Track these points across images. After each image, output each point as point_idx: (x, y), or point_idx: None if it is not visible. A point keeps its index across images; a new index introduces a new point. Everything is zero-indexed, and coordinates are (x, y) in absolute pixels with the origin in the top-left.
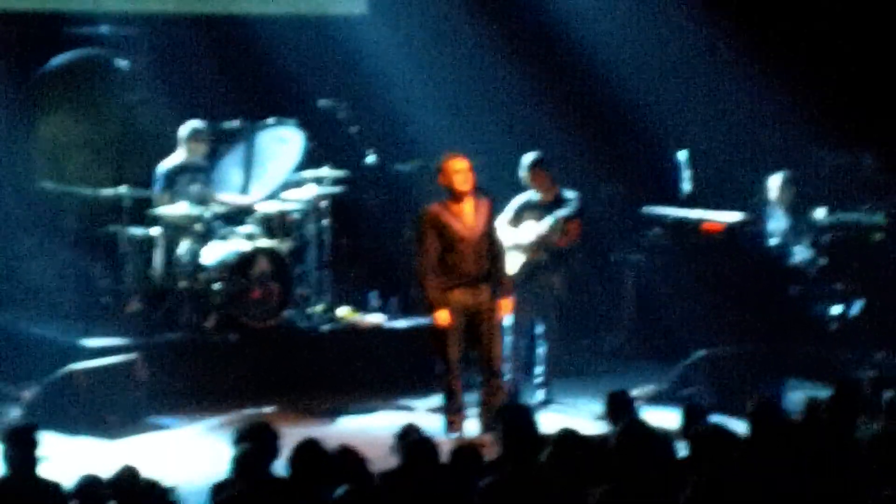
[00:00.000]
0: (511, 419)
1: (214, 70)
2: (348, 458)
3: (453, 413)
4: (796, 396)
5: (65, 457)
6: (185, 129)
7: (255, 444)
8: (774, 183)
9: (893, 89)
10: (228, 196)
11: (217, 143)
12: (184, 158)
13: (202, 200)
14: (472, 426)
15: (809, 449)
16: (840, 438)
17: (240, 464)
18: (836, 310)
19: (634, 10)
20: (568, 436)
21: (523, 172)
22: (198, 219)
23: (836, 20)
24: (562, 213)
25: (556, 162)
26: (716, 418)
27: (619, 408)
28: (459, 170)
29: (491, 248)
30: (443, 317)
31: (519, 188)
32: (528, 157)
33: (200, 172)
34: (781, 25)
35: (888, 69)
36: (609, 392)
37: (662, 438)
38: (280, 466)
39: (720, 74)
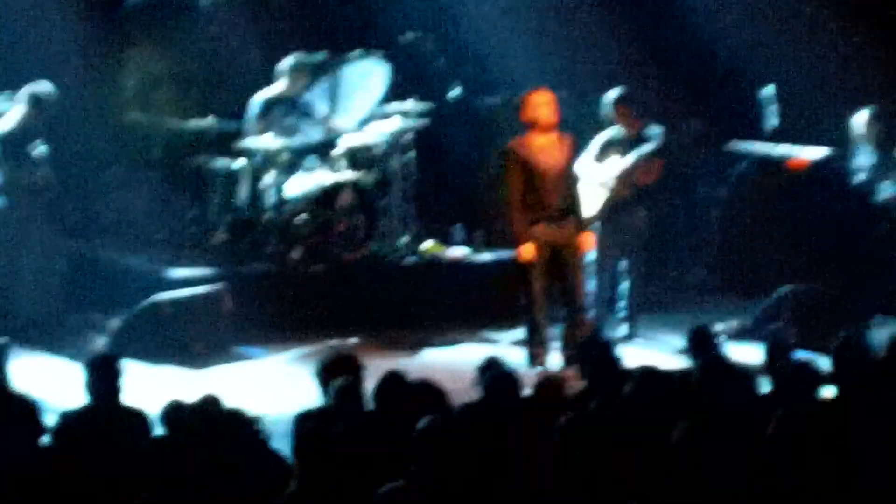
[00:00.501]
0: (594, 354)
1: (299, 3)
2: (429, 391)
3: (536, 346)
4: (882, 334)
5: (150, 386)
6: (287, 61)
7: (346, 377)
8: (861, 119)
9: None
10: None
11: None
12: (282, 90)
13: (293, 134)
14: (555, 360)
15: (894, 386)
16: None
17: (340, 395)
18: None
19: None
20: (650, 371)
21: (606, 108)
22: (283, 151)
23: None
24: (645, 149)
25: (640, 98)
26: (800, 354)
27: (702, 343)
28: (545, 102)
29: (573, 184)
30: (528, 251)
31: (602, 124)
32: (611, 93)
33: (296, 106)
34: None
35: None
36: (691, 327)
37: (744, 374)
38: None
39: (806, 7)
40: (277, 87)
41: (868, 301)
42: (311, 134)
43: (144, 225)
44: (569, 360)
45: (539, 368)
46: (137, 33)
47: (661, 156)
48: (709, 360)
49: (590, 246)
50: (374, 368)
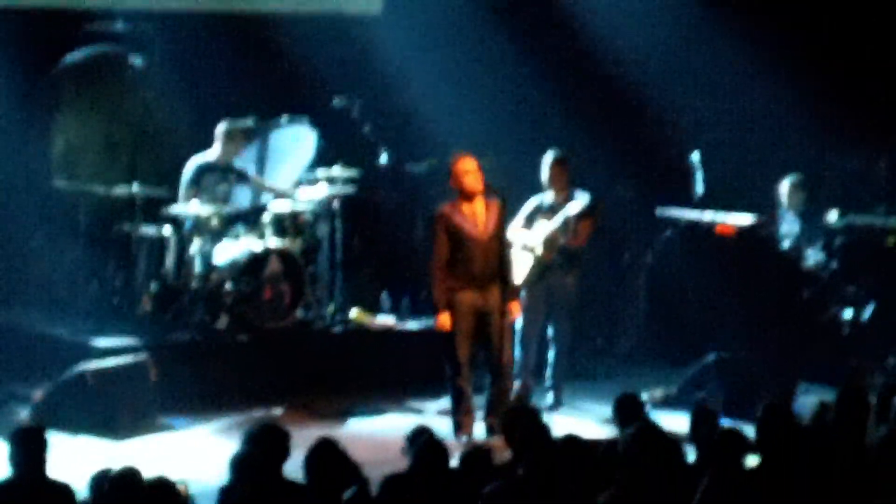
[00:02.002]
0: (521, 422)
1: (229, 68)
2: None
3: (462, 415)
4: (807, 401)
5: (75, 458)
6: (221, 127)
7: (260, 447)
8: (785, 187)
9: None
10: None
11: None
12: (216, 156)
13: (224, 201)
14: (481, 428)
15: (818, 454)
16: (849, 443)
17: (241, 466)
18: (847, 314)
19: (651, 11)
20: (576, 440)
21: (544, 169)
22: (211, 218)
23: (852, 25)
24: (571, 211)
25: (572, 160)
26: (726, 422)
27: (629, 411)
28: (469, 170)
29: (501, 250)
30: (444, 320)
31: (533, 188)
32: (549, 155)
33: (232, 174)
34: (798, 29)
35: None
36: (618, 395)
37: (672, 442)
38: (291, 467)
39: (736, 76)
40: (212, 153)
41: (794, 368)
42: (239, 200)
43: (70, 293)
44: (494, 429)
45: (465, 437)
46: (66, 96)
47: (587, 220)
48: (636, 428)
49: (517, 313)
50: (301, 437)
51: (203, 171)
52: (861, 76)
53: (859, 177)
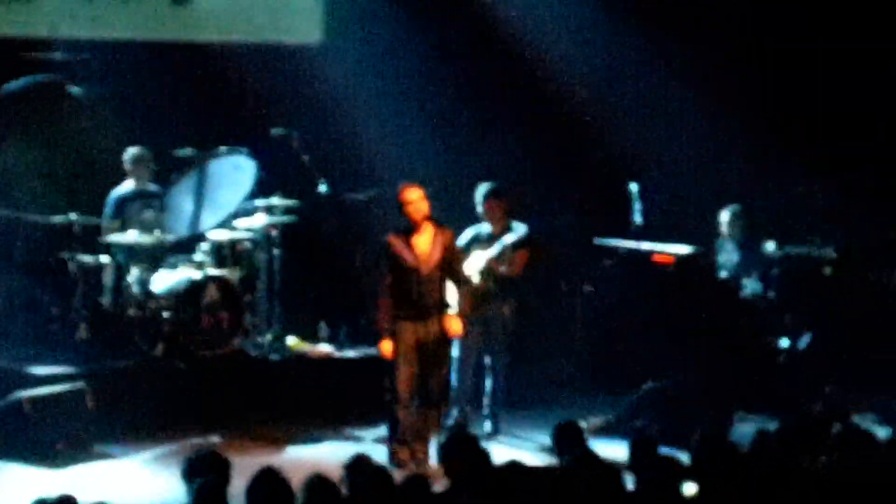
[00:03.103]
0: (460, 450)
1: (168, 97)
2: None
3: (397, 443)
4: (744, 429)
5: (10, 486)
6: (127, 155)
7: (205, 475)
8: (724, 217)
9: (844, 125)
10: None
11: (169, 171)
12: (133, 185)
13: (154, 228)
14: (418, 457)
15: (756, 482)
16: (788, 472)
17: (200, 497)
18: (784, 343)
19: (590, 42)
20: (516, 467)
21: (479, 201)
22: (148, 246)
23: (790, 57)
24: (507, 240)
25: (509, 192)
26: (664, 450)
27: (568, 439)
28: (413, 200)
29: (452, 277)
30: (386, 348)
31: (472, 217)
32: (483, 187)
33: (155, 199)
34: (737, 61)
35: (839, 106)
36: (557, 423)
37: (611, 470)
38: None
39: (674, 107)
40: (128, 183)
41: (731, 397)
42: (177, 229)
43: (6, 320)
44: (422, 457)
45: (399, 466)
46: (3, 125)
47: (524, 249)
48: (575, 456)
49: (458, 329)
50: (239, 466)
51: (122, 201)
52: (799, 107)
53: (796, 207)
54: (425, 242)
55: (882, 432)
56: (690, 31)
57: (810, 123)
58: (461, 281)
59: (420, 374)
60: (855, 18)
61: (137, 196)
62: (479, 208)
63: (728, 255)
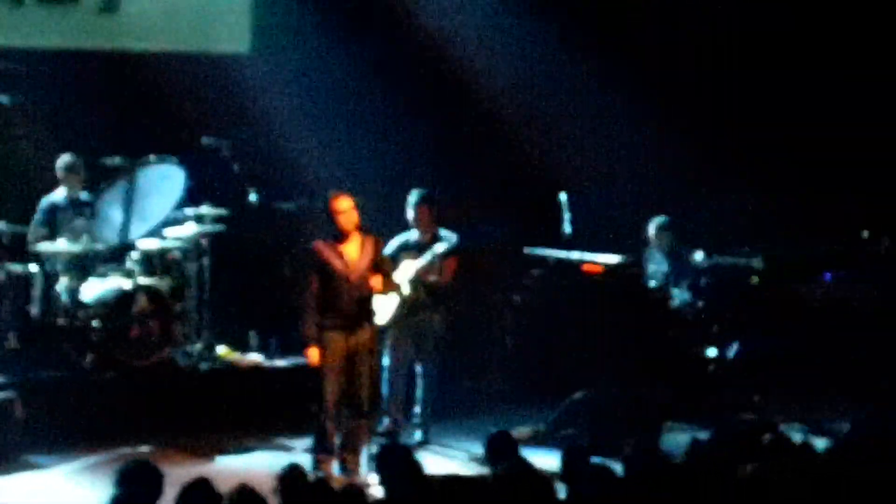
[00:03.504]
0: (393, 460)
1: (97, 106)
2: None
3: (322, 453)
4: (676, 438)
5: None
6: (59, 163)
7: (137, 485)
8: (651, 227)
9: (771, 137)
10: None
11: (98, 180)
12: (64, 193)
13: (84, 236)
14: (352, 466)
15: (690, 491)
16: (721, 480)
17: None
18: (712, 352)
19: (520, 52)
20: (451, 478)
21: (409, 208)
22: (78, 255)
23: (719, 67)
24: (438, 249)
25: (440, 200)
26: (595, 460)
27: (501, 449)
28: (344, 209)
29: (380, 286)
30: (314, 355)
31: (402, 226)
32: (414, 194)
33: (86, 207)
34: (666, 72)
35: (766, 116)
36: (490, 433)
37: (544, 480)
38: None
39: (604, 117)
40: (59, 191)
41: (660, 406)
42: (107, 238)
43: None
44: (348, 466)
45: (322, 475)
46: None
47: (453, 258)
48: (509, 465)
49: (384, 287)
50: (170, 476)
51: (53, 209)
52: (726, 118)
53: (725, 217)
54: (353, 251)
55: (807, 441)
56: (620, 42)
57: (739, 134)
58: (389, 290)
59: (349, 383)
60: (783, 30)
61: (69, 204)
62: (410, 215)
63: (657, 266)
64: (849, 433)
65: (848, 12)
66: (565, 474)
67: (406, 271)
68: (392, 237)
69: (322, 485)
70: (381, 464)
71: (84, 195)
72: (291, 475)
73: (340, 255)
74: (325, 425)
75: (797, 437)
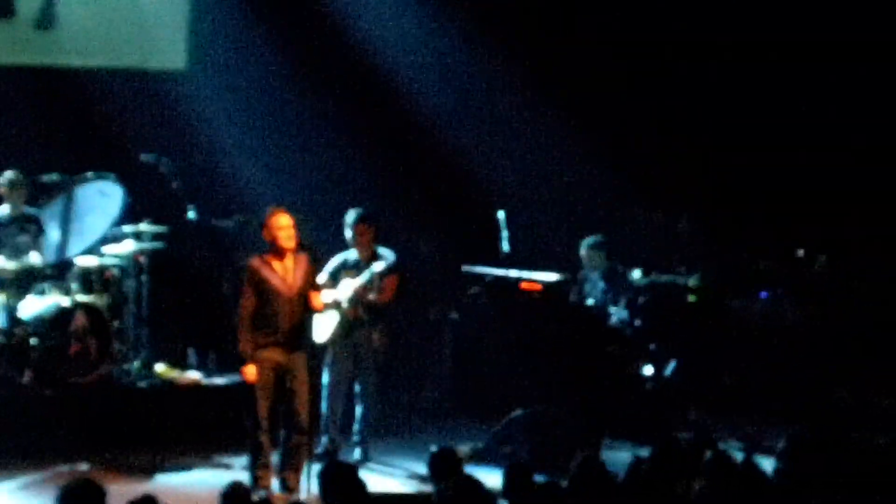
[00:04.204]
0: (337, 479)
1: (33, 122)
2: None
3: (260, 469)
4: (614, 455)
5: None
6: (3, 179)
7: (80, 502)
8: (584, 248)
9: (707, 155)
10: None
11: (36, 196)
12: (8, 209)
13: (30, 251)
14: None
15: None
16: (661, 498)
17: None
18: (649, 370)
19: (460, 73)
20: (394, 497)
21: (347, 227)
22: (15, 272)
23: (655, 85)
24: (376, 268)
25: (377, 218)
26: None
27: (444, 466)
28: (283, 226)
29: (308, 305)
30: (250, 372)
31: (339, 244)
32: (352, 213)
33: (30, 223)
34: (600, 89)
35: (701, 135)
36: (433, 450)
37: (488, 497)
38: None
39: (540, 135)
40: (3, 207)
41: (599, 423)
42: (45, 255)
43: None
44: (288, 484)
45: (262, 492)
46: None
47: (392, 276)
48: (455, 482)
49: (320, 304)
50: (109, 494)
51: None
52: (664, 138)
53: (661, 235)
54: (289, 268)
55: (749, 459)
56: (556, 63)
57: (677, 153)
58: (320, 308)
59: (286, 402)
60: (716, 42)
61: (11, 220)
62: (348, 233)
63: (593, 284)
64: (784, 450)
65: (785, 30)
66: (508, 491)
67: (345, 290)
68: (331, 255)
69: (269, 502)
70: (325, 482)
71: (28, 210)
72: (235, 493)
73: (277, 272)
74: (260, 441)
75: (736, 455)
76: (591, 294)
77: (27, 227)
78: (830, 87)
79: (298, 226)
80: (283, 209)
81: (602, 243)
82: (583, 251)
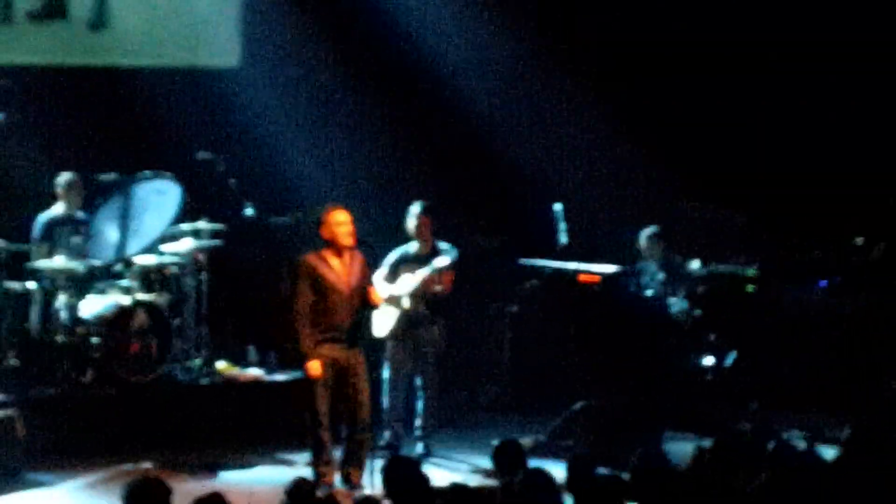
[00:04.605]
0: (400, 474)
1: (90, 122)
2: None
3: (322, 465)
4: (675, 447)
5: None
6: (60, 180)
7: (146, 500)
8: (643, 239)
9: (765, 144)
10: None
11: (93, 196)
12: (63, 210)
13: (81, 253)
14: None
15: (697, 499)
16: (724, 489)
17: None
18: (709, 361)
19: (514, 65)
20: (460, 489)
21: (410, 219)
22: (75, 272)
23: (708, 78)
24: (439, 263)
25: (439, 210)
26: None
27: (510, 458)
28: (342, 222)
29: (366, 300)
30: (314, 367)
31: (394, 239)
32: (417, 204)
33: (82, 225)
34: (655, 82)
35: (761, 124)
36: (497, 443)
37: (557, 489)
38: None
39: (596, 128)
40: (57, 207)
41: (659, 415)
42: (104, 255)
43: None
44: (351, 480)
45: (325, 488)
46: None
47: (451, 269)
48: (525, 474)
49: (377, 299)
50: (174, 493)
51: (51, 225)
52: (717, 126)
53: (719, 226)
54: (345, 264)
55: (811, 448)
56: (610, 54)
57: (735, 143)
58: (378, 303)
59: (346, 398)
60: (767, 36)
61: (66, 221)
62: (412, 225)
63: (651, 276)
64: (849, 439)
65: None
66: (571, 484)
67: (405, 284)
68: (385, 249)
69: (331, 500)
70: (389, 477)
71: (80, 213)
72: (300, 490)
73: (333, 269)
74: (321, 437)
75: (800, 445)
76: (649, 285)
77: (79, 229)
78: (891, 74)
79: (354, 222)
80: (341, 206)
81: (660, 234)
82: (641, 242)
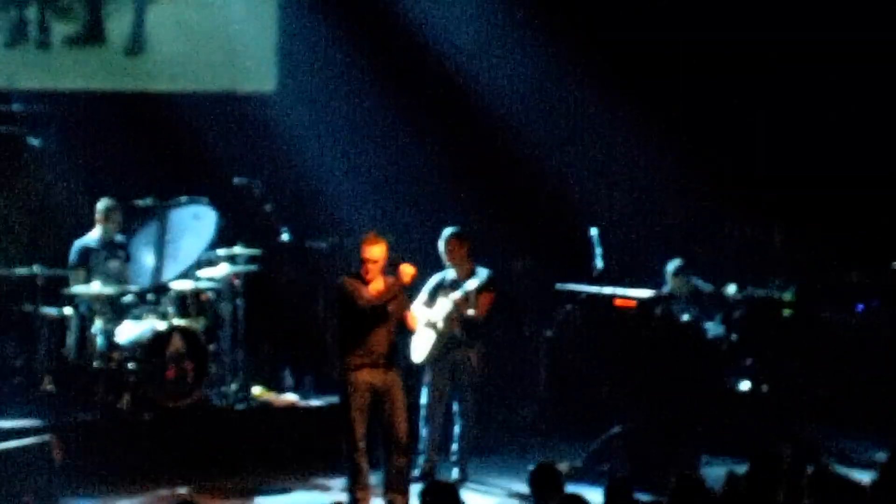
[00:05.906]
0: (437, 499)
1: (127, 147)
2: None
3: (359, 490)
4: (712, 471)
5: None
6: (99, 206)
7: None
8: (669, 274)
9: (802, 169)
10: None
11: (130, 221)
12: (100, 235)
13: (118, 278)
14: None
15: None
16: None
17: None
18: (746, 385)
19: (550, 90)
20: None
21: (442, 245)
22: (112, 297)
23: (745, 101)
24: (470, 285)
25: (472, 236)
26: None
27: (547, 483)
28: (369, 259)
29: (402, 324)
30: (407, 270)
31: (433, 263)
32: (447, 231)
33: (119, 249)
34: (691, 106)
35: (796, 149)
36: (534, 468)
37: None
38: None
39: (632, 152)
40: (94, 232)
41: (696, 440)
42: (140, 280)
43: None
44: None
45: None
46: None
47: (487, 292)
48: (560, 500)
49: (410, 274)
50: None
51: (87, 251)
52: (757, 151)
53: (755, 249)
54: (380, 289)
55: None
56: (648, 78)
57: (770, 167)
58: (415, 328)
59: (382, 420)
60: (803, 53)
61: (103, 246)
62: (443, 250)
63: (682, 308)
64: (886, 463)
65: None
66: None
67: (441, 309)
68: (425, 275)
69: None
70: (426, 502)
71: (119, 238)
72: None
73: (370, 294)
74: (357, 463)
75: (839, 469)
76: (686, 309)
77: (117, 254)
78: None
79: (391, 246)
80: (379, 236)
81: (683, 267)
82: (667, 276)
